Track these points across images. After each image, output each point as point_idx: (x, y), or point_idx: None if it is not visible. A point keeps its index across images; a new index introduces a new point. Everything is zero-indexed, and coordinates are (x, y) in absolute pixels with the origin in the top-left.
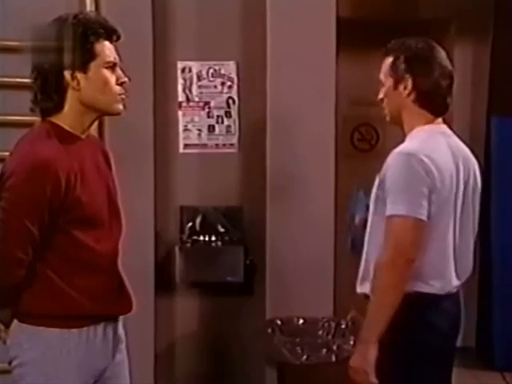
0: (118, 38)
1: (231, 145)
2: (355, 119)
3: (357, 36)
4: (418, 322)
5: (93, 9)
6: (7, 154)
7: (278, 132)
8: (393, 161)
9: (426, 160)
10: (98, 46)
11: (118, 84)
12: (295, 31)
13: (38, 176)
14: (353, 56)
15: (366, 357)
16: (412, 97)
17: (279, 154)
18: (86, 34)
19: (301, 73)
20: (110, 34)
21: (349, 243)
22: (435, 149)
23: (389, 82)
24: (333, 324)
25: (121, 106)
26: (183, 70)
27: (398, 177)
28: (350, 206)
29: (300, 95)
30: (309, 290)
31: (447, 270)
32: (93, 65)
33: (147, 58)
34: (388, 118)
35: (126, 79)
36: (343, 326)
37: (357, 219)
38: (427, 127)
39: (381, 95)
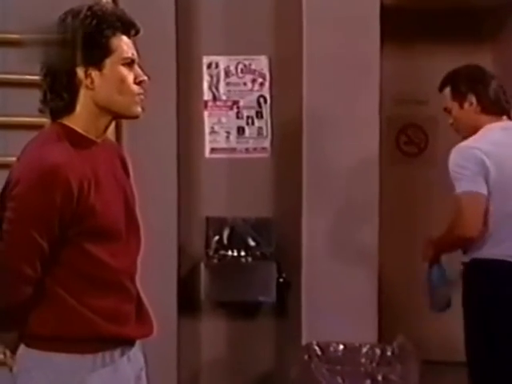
0: (137, 32)
1: (263, 149)
2: (401, 120)
3: (403, 26)
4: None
5: (109, 0)
6: (13, 159)
7: (315, 135)
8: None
9: (476, 149)
10: (114, 41)
11: (135, 83)
12: (334, 21)
13: (47, 183)
14: (398, 48)
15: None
16: (478, 109)
17: (316, 159)
18: (101, 28)
19: (341, 68)
20: (128, 28)
21: (429, 304)
22: (489, 140)
23: (455, 106)
24: (377, 351)
25: (139, 109)
26: (209, 66)
27: (454, 164)
28: (430, 277)
29: (340, 93)
30: (350, 312)
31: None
32: (108, 61)
33: (169, 53)
34: (462, 136)
35: (145, 78)
36: (389, 354)
37: (439, 295)
38: (489, 125)
39: (451, 120)
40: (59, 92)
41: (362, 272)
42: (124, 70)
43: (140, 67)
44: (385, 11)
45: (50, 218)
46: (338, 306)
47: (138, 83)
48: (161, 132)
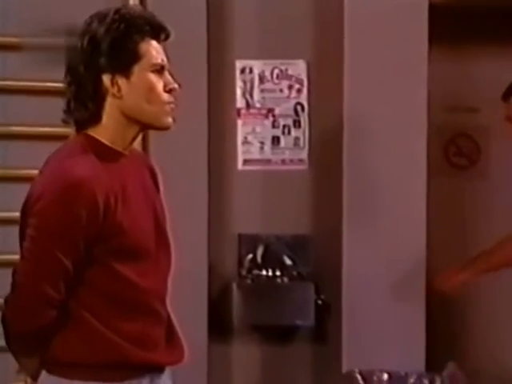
0: (167, 36)
1: (300, 160)
2: (450, 129)
3: (453, 26)
4: None
5: (137, 3)
6: (35, 171)
7: (356, 145)
8: None
9: None
10: (142, 46)
11: (165, 91)
12: (379, 22)
13: (71, 198)
14: (447, 51)
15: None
16: None
17: (358, 171)
18: (129, 32)
19: (385, 72)
20: (158, 32)
21: None
22: None
23: None
24: (425, 381)
25: (169, 119)
26: (243, 71)
27: None
28: None
29: (384, 100)
30: (395, 337)
31: None
32: (136, 68)
33: (200, 57)
34: None
35: (176, 85)
36: None
37: None
38: None
39: None
40: (84, 101)
41: (409, 294)
42: (153, 77)
43: (170, 74)
44: (433, 11)
45: (74, 236)
46: (381, 330)
47: (169, 91)
48: (190, 142)
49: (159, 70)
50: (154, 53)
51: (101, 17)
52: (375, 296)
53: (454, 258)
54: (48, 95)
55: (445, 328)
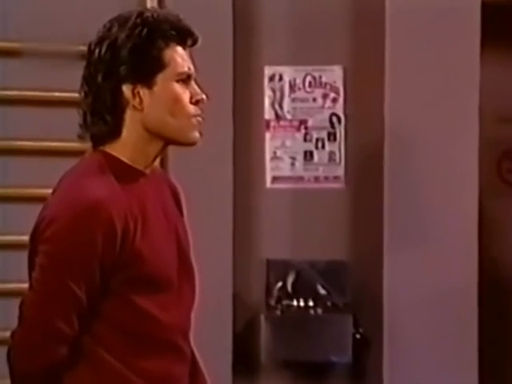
0: (195, 41)
1: (335, 178)
2: (504, 142)
3: (507, 28)
4: None
5: (155, 5)
6: (48, 191)
7: (399, 161)
8: None
9: None
10: (167, 53)
11: (191, 102)
12: (424, 23)
13: (86, 223)
14: (502, 55)
15: None
16: None
17: (401, 190)
18: (153, 37)
19: (431, 80)
20: (184, 37)
21: None
22: None
23: None
24: None
25: (196, 133)
26: (272, 78)
27: None
28: None
29: (430, 110)
30: (442, 375)
31: None
32: (160, 77)
33: (225, 63)
34: None
35: (204, 96)
36: None
37: None
38: None
39: None
40: (102, 114)
41: (458, 327)
42: (178, 88)
43: (197, 84)
44: (486, 10)
45: (89, 265)
46: (427, 367)
47: (195, 103)
48: (214, 158)
49: (185, 79)
50: (179, 60)
51: (121, 21)
52: (420, 329)
53: (508, 284)
54: (52, 106)
55: (499, 364)
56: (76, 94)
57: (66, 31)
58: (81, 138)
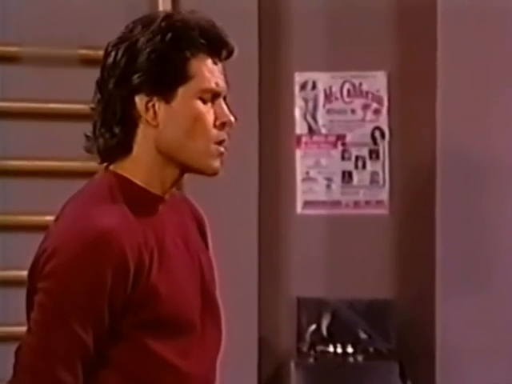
0: (230, 53)
1: (378, 203)
2: None
3: None
4: None
5: (169, 7)
6: (52, 219)
7: (453, 183)
8: None
9: None
10: (193, 65)
11: (216, 126)
12: (482, 24)
13: (93, 256)
14: None
15: None
16: None
17: (455, 217)
18: (178, 45)
19: (489, 89)
20: (217, 49)
21: None
22: None
23: None
24: None
25: (217, 163)
26: (304, 86)
27: None
28: None
29: (488, 125)
30: None
31: None
32: (181, 91)
33: (250, 69)
34: None
35: (232, 119)
36: None
37: None
38: None
39: None
40: (110, 125)
41: None
42: (201, 106)
43: (227, 104)
44: None
45: (97, 305)
46: None
47: (220, 126)
48: (237, 178)
49: (211, 97)
50: (206, 74)
51: (146, 22)
52: (479, 379)
53: None
54: (56, 119)
55: None
56: (83, 106)
57: (67, 34)
58: (88, 151)
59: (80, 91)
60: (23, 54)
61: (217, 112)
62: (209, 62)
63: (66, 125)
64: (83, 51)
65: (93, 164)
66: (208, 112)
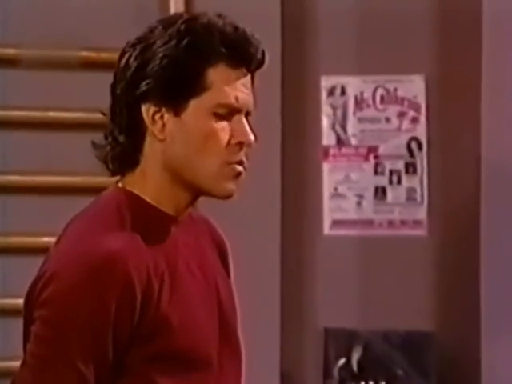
0: (259, 65)
1: (416, 222)
2: None
3: None
4: None
5: (181, 9)
6: (42, 240)
7: (500, 200)
8: None
9: None
10: (210, 75)
11: (230, 144)
12: None
13: (96, 282)
14: None
15: None
16: None
17: (503, 239)
18: (194, 51)
19: None
20: (242, 59)
21: None
22: None
23: None
24: None
25: (230, 185)
26: (331, 92)
27: None
28: None
29: None
30: None
31: None
32: (193, 104)
33: (271, 72)
34: None
35: (251, 138)
36: None
37: None
38: None
39: None
40: (116, 133)
41: None
42: (214, 122)
43: (248, 122)
44: None
45: (100, 336)
46: None
47: (236, 146)
48: (256, 195)
49: (229, 112)
50: (224, 87)
51: (167, 23)
52: None
53: None
54: (60, 129)
55: None
56: (91, 115)
57: (70, 36)
58: (98, 158)
59: (88, 98)
60: (23, 57)
61: (234, 130)
62: (229, 73)
63: (73, 135)
64: (87, 53)
65: (102, 179)
66: (222, 129)
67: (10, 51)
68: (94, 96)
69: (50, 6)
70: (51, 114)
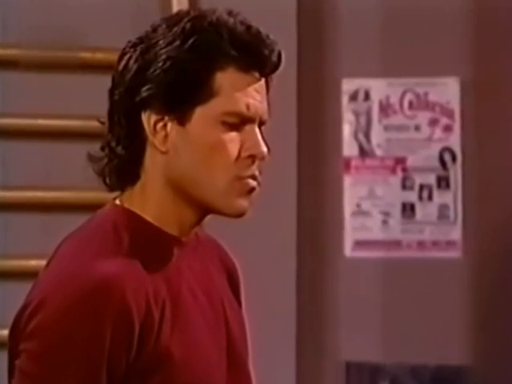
0: (275, 69)
1: (449, 244)
2: None
3: None
4: None
5: (185, 6)
6: (41, 263)
7: None
8: None
9: None
10: (218, 79)
11: (241, 157)
12: None
13: (88, 310)
14: None
15: None
16: None
17: None
18: (201, 53)
19: None
20: (254, 62)
21: None
22: None
23: None
24: None
25: (241, 202)
26: (354, 96)
27: None
28: None
29: None
30: None
31: None
32: (199, 112)
33: (286, 76)
34: None
35: (264, 150)
36: None
37: None
38: None
39: None
40: (113, 143)
41: None
42: (222, 132)
43: (261, 132)
44: None
45: (92, 372)
46: None
47: (247, 159)
48: (269, 211)
49: (239, 122)
50: (234, 93)
51: (171, 22)
52: None
53: None
54: (59, 139)
55: None
56: (90, 122)
57: (69, 36)
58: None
59: (87, 103)
60: (22, 58)
61: (244, 141)
62: (240, 77)
63: (77, 145)
64: (87, 54)
65: (102, 195)
66: (231, 141)
67: (9, 52)
68: (93, 101)
69: (49, 5)
70: (56, 122)
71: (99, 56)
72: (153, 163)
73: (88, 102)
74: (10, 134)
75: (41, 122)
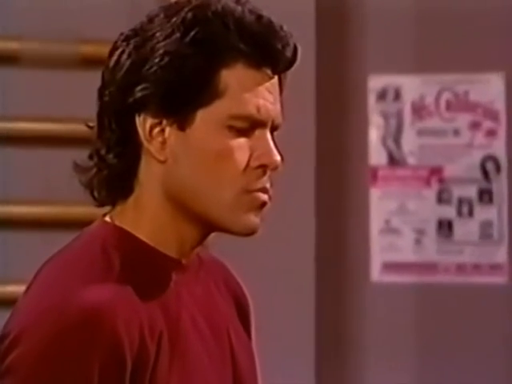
0: (290, 65)
1: (493, 267)
2: None
3: None
4: None
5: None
6: (20, 289)
7: None
8: None
9: None
10: (224, 78)
11: (250, 166)
12: None
13: (74, 344)
14: None
15: None
16: None
17: None
18: (204, 47)
19: None
20: (267, 57)
21: None
22: None
23: None
24: None
25: (251, 218)
26: (382, 96)
27: None
28: None
29: None
30: None
31: None
32: (201, 115)
33: (304, 73)
34: None
35: (277, 159)
36: None
37: None
38: None
39: None
40: (102, 150)
41: None
42: (229, 139)
43: (273, 138)
44: None
45: None
46: None
47: (257, 169)
48: (284, 229)
49: (249, 126)
50: (243, 94)
51: (170, 11)
52: None
53: None
54: (61, 145)
55: None
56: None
57: (68, 30)
58: (84, 186)
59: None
60: (23, 52)
61: (255, 148)
62: (250, 75)
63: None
64: (88, 47)
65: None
66: (240, 148)
67: (9, 45)
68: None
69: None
70: (60, 126)
71: (102, 50)
72: (148, 174)
73: (88, 101)
74: (11, 140)
75: (39, 125)
